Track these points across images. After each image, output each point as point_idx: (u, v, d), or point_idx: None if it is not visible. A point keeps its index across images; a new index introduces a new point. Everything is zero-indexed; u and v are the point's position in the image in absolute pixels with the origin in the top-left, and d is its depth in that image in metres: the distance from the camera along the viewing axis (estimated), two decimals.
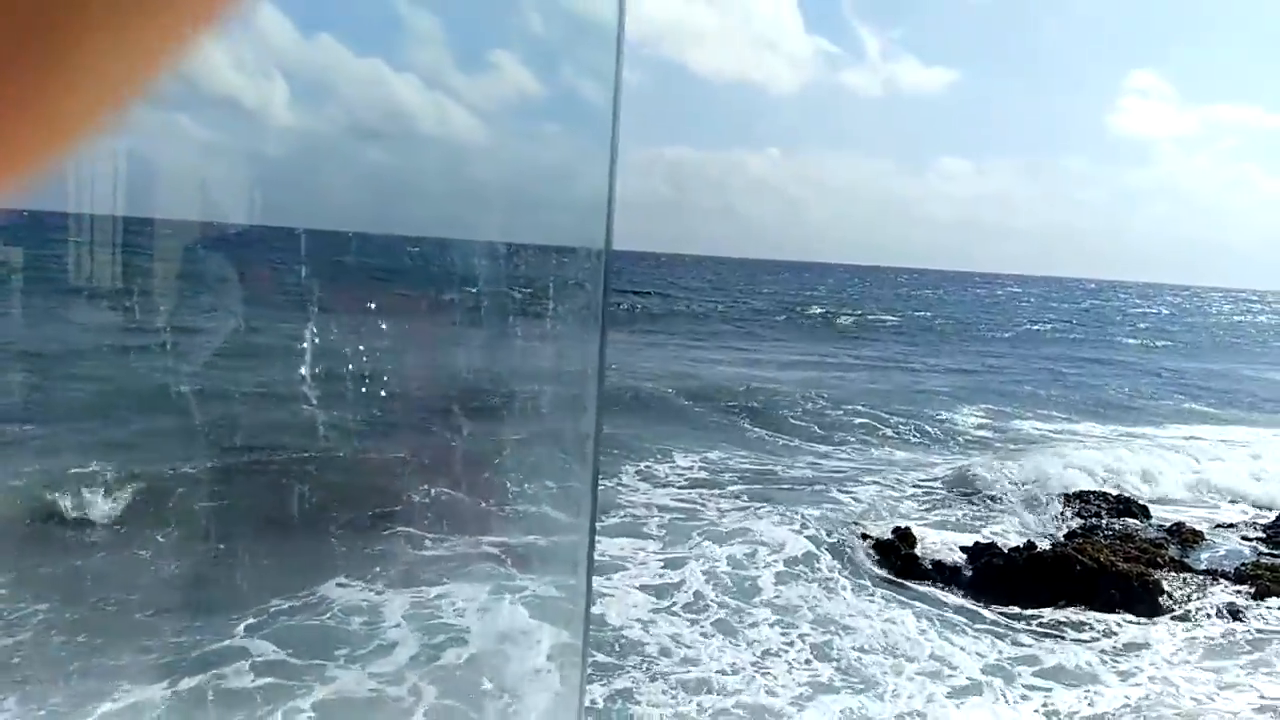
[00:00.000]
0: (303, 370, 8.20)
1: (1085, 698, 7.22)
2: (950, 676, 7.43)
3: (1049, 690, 7.31)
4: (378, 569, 8.20)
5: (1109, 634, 8.53)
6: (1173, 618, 8.91)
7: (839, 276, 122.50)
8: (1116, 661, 7.94)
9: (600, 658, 7.06)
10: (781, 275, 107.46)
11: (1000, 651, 7.99)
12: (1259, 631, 8.63)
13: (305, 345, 8.55)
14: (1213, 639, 8.46)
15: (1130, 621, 8.78)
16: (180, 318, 11.54)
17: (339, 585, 7.87)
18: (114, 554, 8.25)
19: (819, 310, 53.34)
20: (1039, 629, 8.56)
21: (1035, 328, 52.89)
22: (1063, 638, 8.37)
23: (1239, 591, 9.44)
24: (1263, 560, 10.57)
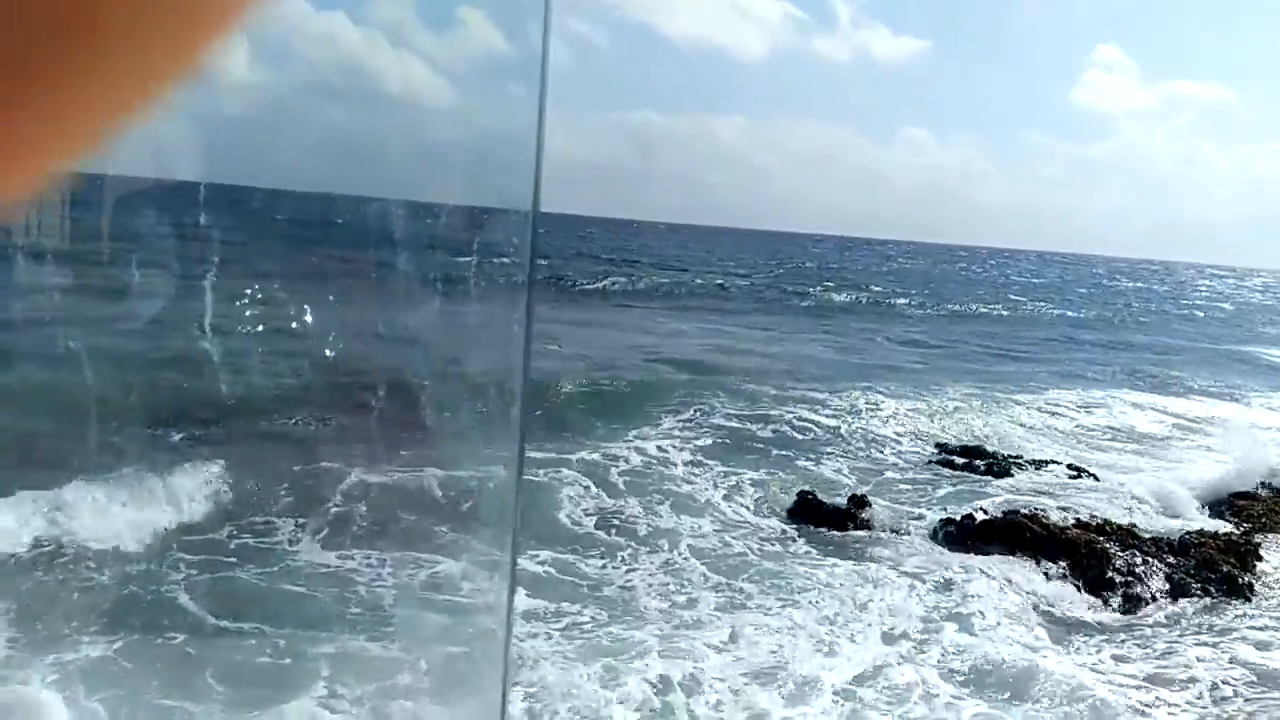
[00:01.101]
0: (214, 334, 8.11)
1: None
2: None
3: None
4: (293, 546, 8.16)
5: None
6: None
7: (800, 244, 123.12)
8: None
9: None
10: (749, 245, 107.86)
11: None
12: None
13: (245, 308, 8.46)
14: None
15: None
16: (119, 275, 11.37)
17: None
18: None
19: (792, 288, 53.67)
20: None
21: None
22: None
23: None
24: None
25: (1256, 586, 9.28)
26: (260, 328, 9.37)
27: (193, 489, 8.95)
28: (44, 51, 0.30)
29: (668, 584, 8.26)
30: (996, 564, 9.23)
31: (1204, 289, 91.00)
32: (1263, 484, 12.73)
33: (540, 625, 7.12)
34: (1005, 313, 44.20)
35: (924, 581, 8.66)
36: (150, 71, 0.34)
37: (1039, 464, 13.48)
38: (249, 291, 9.21)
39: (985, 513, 10.50)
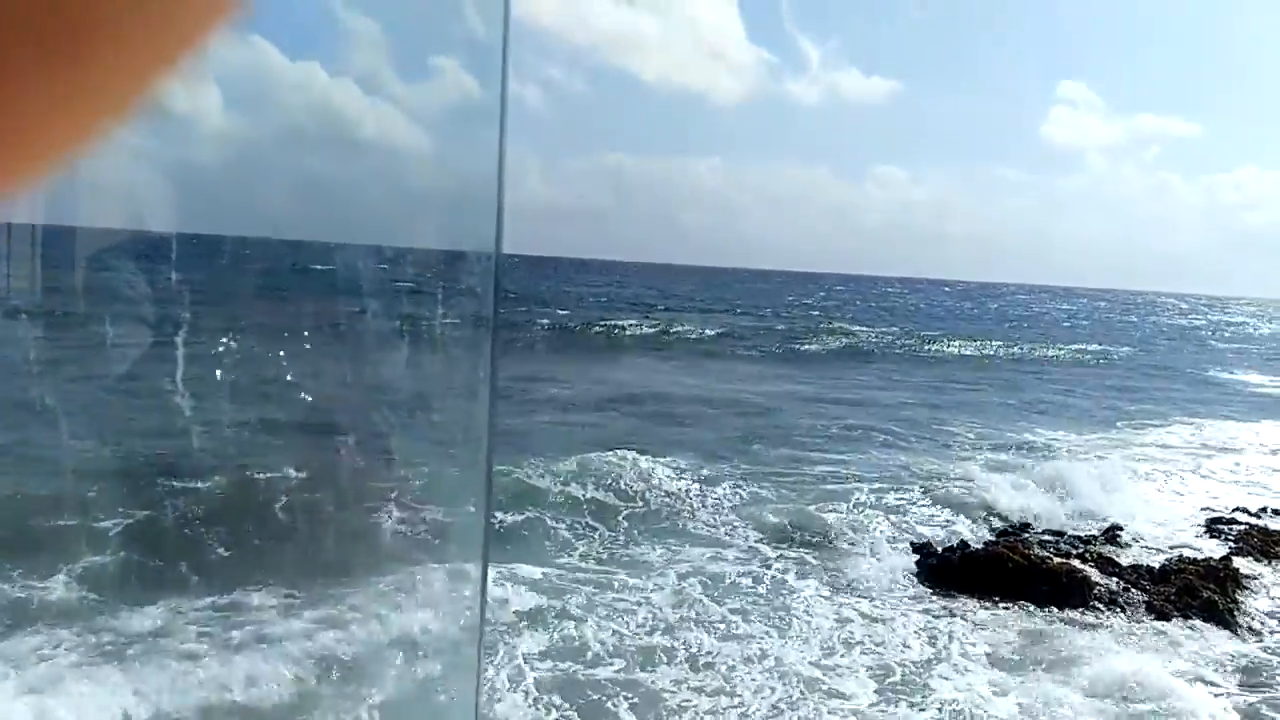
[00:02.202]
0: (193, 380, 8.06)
1: None
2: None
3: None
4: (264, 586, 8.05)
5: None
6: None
7: (774, 283, 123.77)
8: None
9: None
10: (722, 282, 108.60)
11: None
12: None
13: (221, 353, 8.40)
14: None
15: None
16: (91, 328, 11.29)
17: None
18: None
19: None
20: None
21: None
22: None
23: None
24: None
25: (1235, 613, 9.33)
26: (232, 378, 9.29)
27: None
28: (28, 52, 0.31)
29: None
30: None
31: (1215, 321, 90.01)
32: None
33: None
34: (1063, 354, 41.79)
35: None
36: (134, 72, 0.34)
37: None
38: (222, 342, 9.15)
39: (968, 546, 10.52)
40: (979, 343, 44.00)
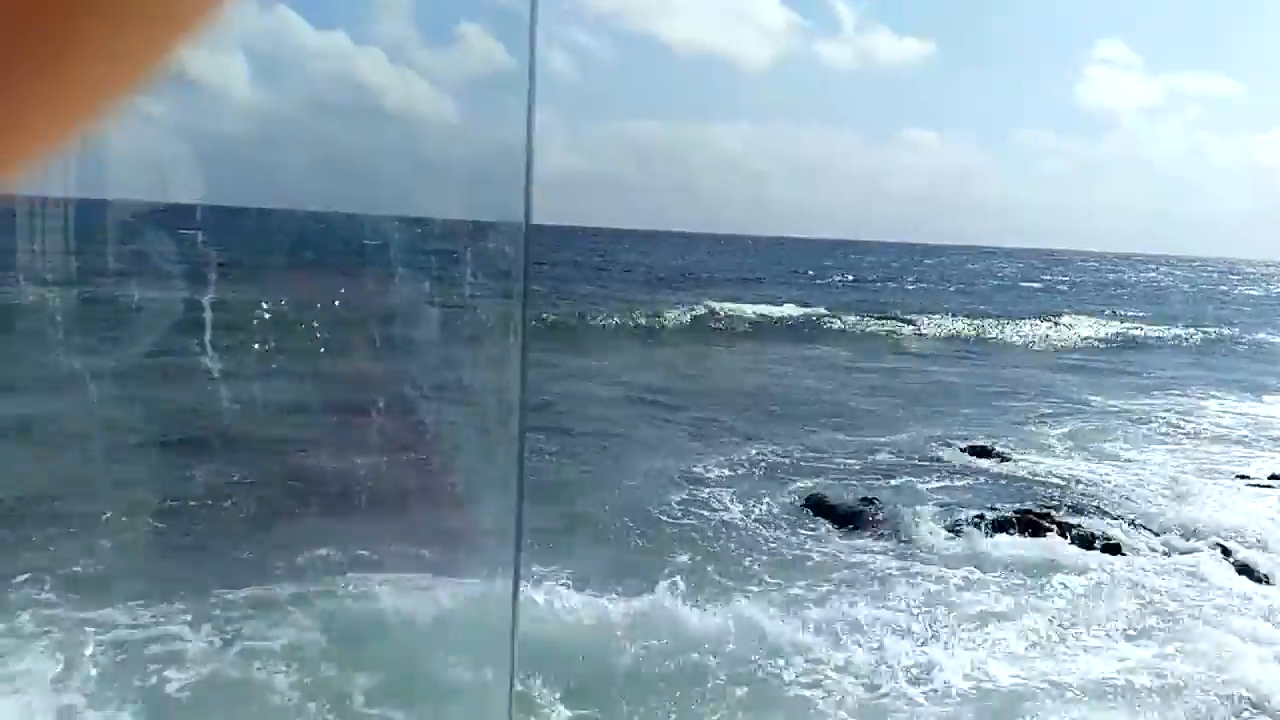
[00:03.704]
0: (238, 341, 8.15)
1: None
2: None
3: None
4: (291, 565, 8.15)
5: None
6: None
7: (803, 252, 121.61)
8: None
9: None
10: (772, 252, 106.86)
11: None
12: None
13: (259, 319, 8.50)
14: None
15: None
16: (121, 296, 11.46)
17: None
18: None
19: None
20: None
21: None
22: None
23: None
24: None
25: None
26: (262, 346, 9.40)
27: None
28: (24, 38, 0.31)
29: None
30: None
31: None
32: None
33: None
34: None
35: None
36: (131, 59, 0.34)
37: None
38: (252, 315, 9.25)
39: (996, 510, 10.48)
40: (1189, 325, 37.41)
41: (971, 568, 9.00)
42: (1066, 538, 9.82)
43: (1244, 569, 9.30)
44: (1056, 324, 35.89)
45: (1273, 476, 12.91)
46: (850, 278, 64.89)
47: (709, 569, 8.54)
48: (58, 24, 0.31)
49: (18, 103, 0.32)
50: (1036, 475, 12.67)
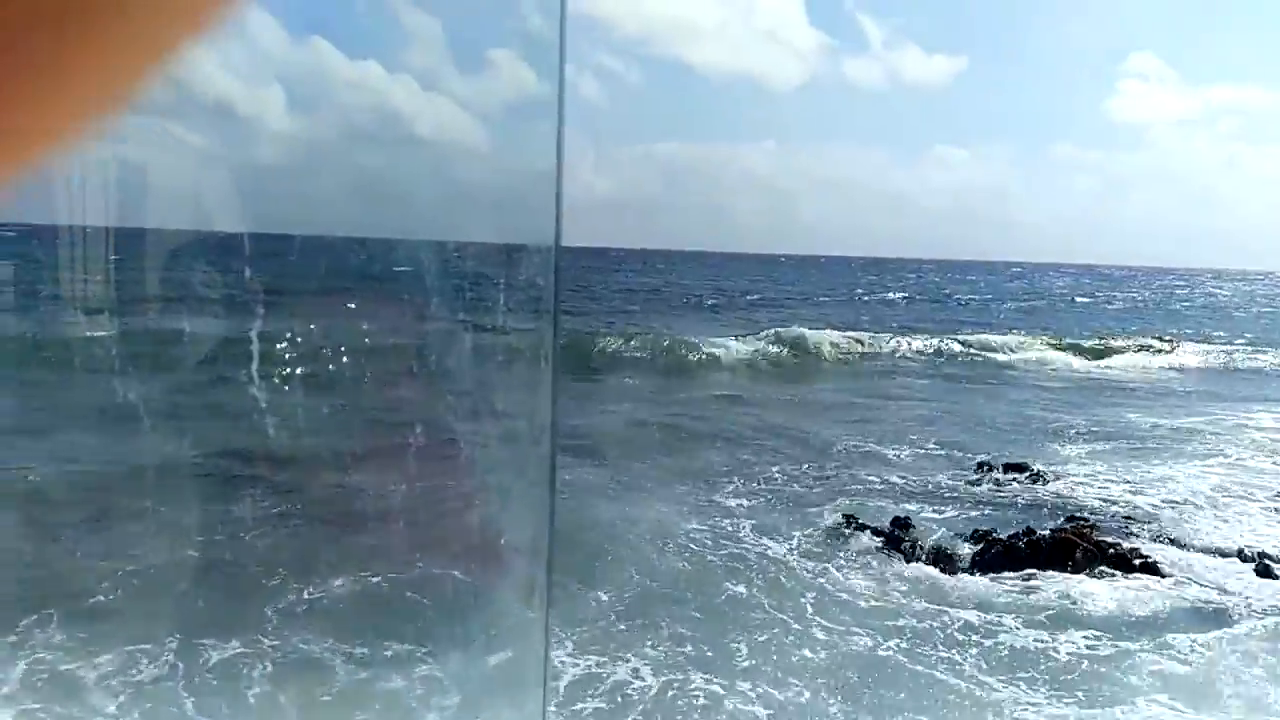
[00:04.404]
0: (268, 374, 8.28)
1: None
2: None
3: None
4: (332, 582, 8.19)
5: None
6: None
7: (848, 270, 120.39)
8: None
9: None
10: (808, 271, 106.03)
11: None
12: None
13: (282, 348, 8.63)
14: None
15: None
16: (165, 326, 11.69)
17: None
18: None
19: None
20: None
21: None
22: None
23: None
24: None
25: None
26: (301, 370, 9.51)
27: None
28: (25, 36, 0.30)
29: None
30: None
31: None
32: None
33: None
34: None
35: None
36: (133, 62, 0.34)
37: None
38: (289, 337, 9.37)
39: (1033, 532, 10.30)
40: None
41: None
42: None
43: None
44: (1166, 349, 32.17)
45: None
46: (901, 296, 63.02)
47: None
48: (60, 22, 0.31)
49: (19, 102, 0.32)
50: None
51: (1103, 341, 33.30)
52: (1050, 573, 9.41)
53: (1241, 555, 9.97)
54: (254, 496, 10.09)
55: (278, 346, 8.84)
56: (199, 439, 11.38)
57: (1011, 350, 31.14)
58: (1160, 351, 32.05)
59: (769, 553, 9.80)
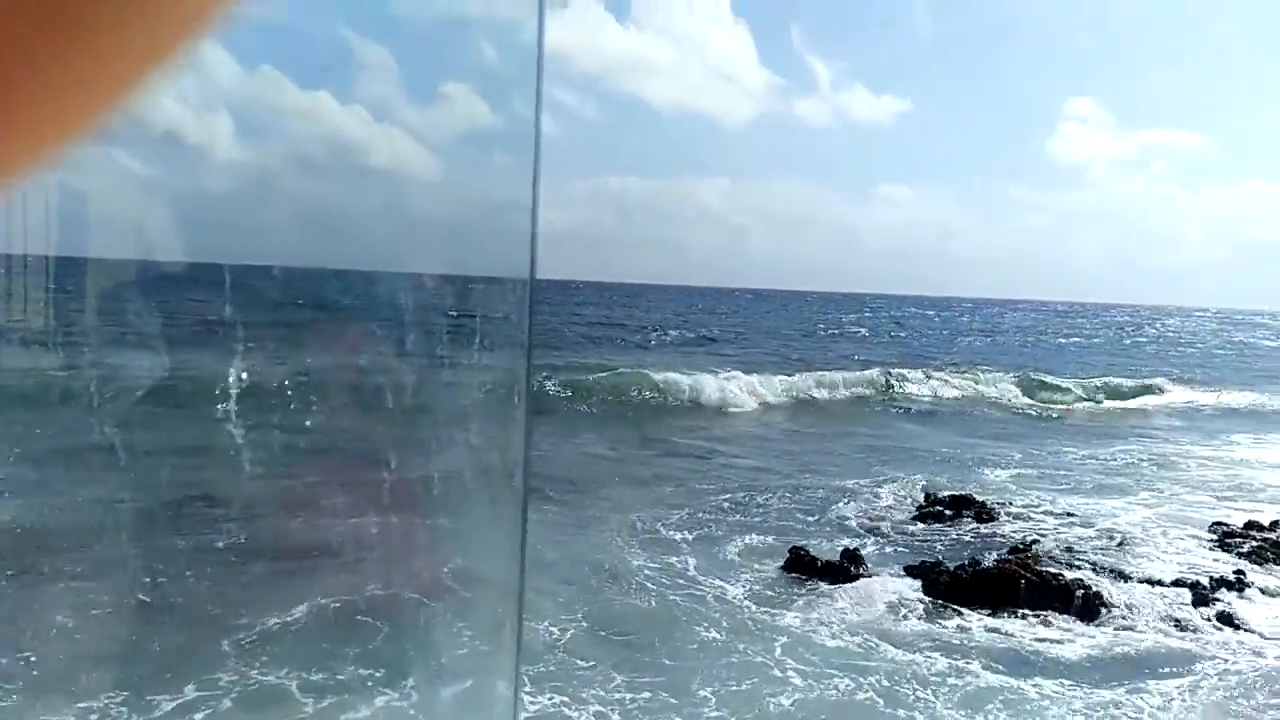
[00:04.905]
0: (229, 406, 8.12)
1: None
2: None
3: None
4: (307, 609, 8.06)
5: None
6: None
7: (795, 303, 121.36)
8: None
9: None
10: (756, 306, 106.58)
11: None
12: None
13: (233, 383, 8.47)
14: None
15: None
16: (108, 360, 11.39)
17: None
18: None
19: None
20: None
21: None
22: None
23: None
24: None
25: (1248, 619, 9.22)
26: (252, 404, 9.33)
27: None
28: (27, 41, 0.30)
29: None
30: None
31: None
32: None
33: None
34: None
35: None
36: (134, 61, 0.34)
37: None
38: (241, 370, 9.20)
39: (978, 564, 10.42)
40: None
41: None
42: None
43: None
44: (1161, 390, 31.87)
45: None
46: (889, 334, 62.47)
47: None
48: (62, 20, 0.31)
49: (21, 102, 0.32)
50: None
51: (1095, 390, 31.60)
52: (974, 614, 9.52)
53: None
54: (208, 534, 9.83)
55: (228, 379, 8.67)
56: (142, 476, 11.07)
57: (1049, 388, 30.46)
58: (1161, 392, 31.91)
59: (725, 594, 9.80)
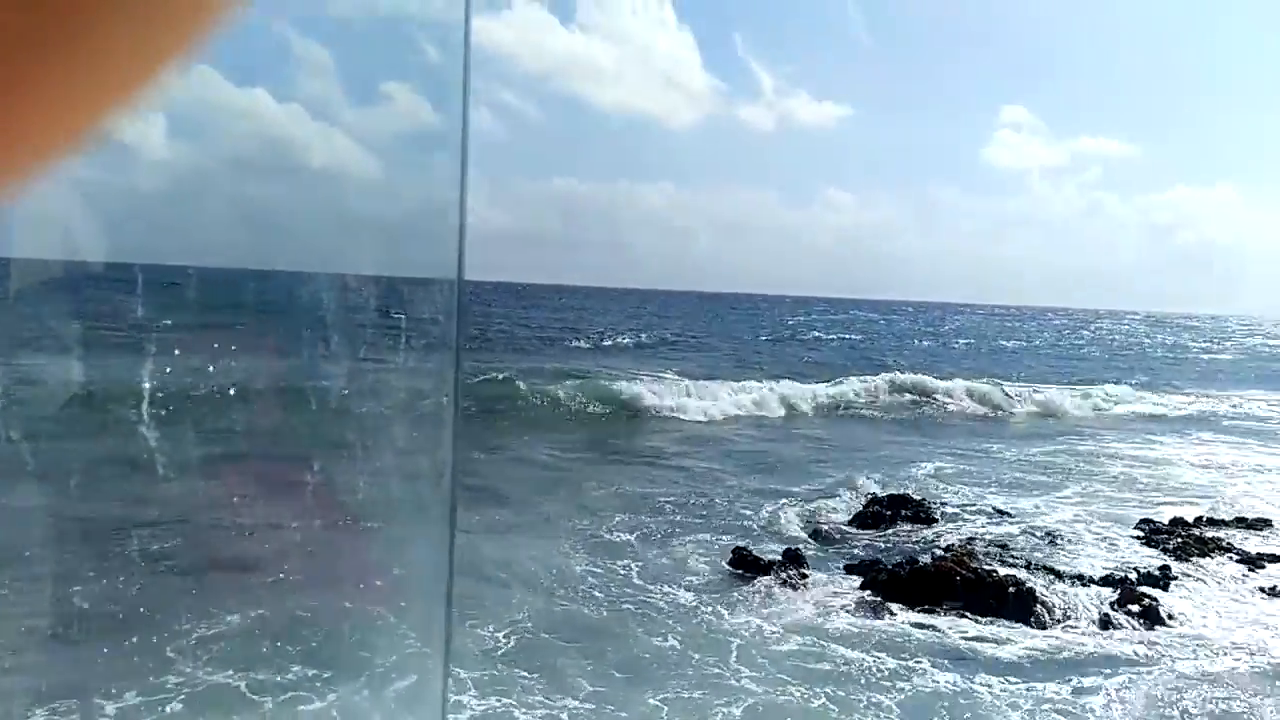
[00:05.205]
0: (149, 411, 7.92)
1: None
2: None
3: None
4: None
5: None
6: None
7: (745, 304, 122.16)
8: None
9: None
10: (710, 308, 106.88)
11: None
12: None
13: (155, 388, 8.25)
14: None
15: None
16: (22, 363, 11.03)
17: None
18: None
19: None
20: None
21: None
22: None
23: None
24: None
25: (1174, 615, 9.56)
26: (175, 410, 9.10)
27: None
28: (23, 46, 0.30)
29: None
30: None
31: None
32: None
33: None
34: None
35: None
36: (136, 66, 0.34)
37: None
38: (163, 374, 8.97)
39: (916, 562, 10.63)
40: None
41: None
42: None
43: None
44: (1091, 394, 31.43)
45: None
46: (826, 336, 63.08)
47: None
48: (67, 22, 0.31)
49: (28, 105, 0.32)
50: None
51: (1041, 387, 32.12)
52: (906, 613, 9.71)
53: None
54: (137, 542, 9.57)
55: (154, 384, 8.44)
56: (63, 487, 10.72)
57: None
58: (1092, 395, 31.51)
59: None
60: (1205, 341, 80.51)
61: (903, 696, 7.65)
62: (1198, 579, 10.87)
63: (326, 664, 7.14)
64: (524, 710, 7.01)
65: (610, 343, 45.60)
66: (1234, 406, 31.67)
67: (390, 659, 6.91)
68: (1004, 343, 68.43)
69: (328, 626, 7.74)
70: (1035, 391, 31.09)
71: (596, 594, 9.65)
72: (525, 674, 7.57)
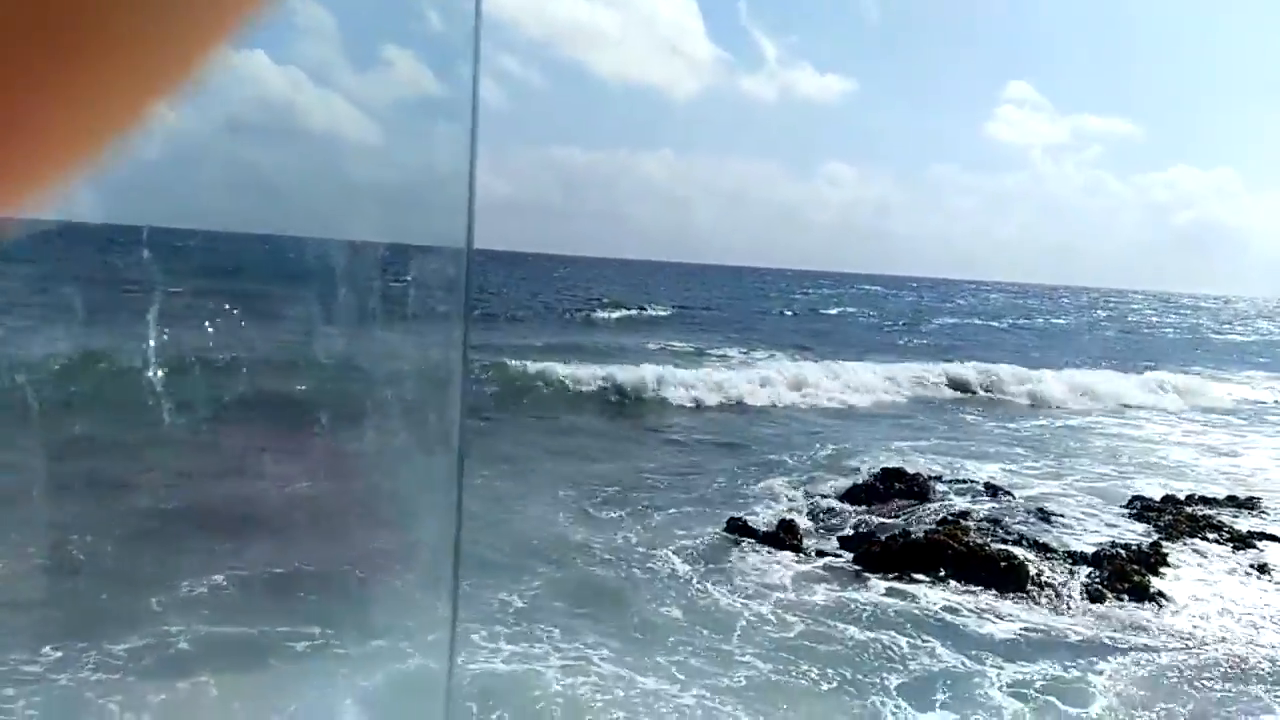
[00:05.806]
0: (153, 371, 7.98)
1: None
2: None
3: None
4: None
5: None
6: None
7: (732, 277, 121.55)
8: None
9: None
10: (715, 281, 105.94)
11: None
12: None
13: (158, 348, 8.30)
14: None
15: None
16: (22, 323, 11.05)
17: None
18: None
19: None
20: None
21: None
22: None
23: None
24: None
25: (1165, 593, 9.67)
26: (181, 371, 9.13)
27: None
28: (43, 54, 0.30)
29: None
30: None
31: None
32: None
33: None
34: None
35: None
36: (150, 80, 0.34)
37: None
38: (165, 333, 8.99)
39: (909, 534, 10.72)
40: None
41: None
42: None
43: None
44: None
45: None
46: (845, 311, 61.90)
47: None
48: (83, 29, 0.31)
49: (44, 115, 0.32)
50: None
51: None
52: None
53: None
54: (148, 499, 9.66)
55: (153, 343, 8.47)
56: (70, 437, 10.79)
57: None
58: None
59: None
60: (1228, 323, 78.41)
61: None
62: None
63: (333, 620, 7.28)
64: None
65: (615, 318, 45.43)
66: None
67: (398, 617, 7.05)
68: (1033, 321, 66.74)
69: (336, 582, 7.88)
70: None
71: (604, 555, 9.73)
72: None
